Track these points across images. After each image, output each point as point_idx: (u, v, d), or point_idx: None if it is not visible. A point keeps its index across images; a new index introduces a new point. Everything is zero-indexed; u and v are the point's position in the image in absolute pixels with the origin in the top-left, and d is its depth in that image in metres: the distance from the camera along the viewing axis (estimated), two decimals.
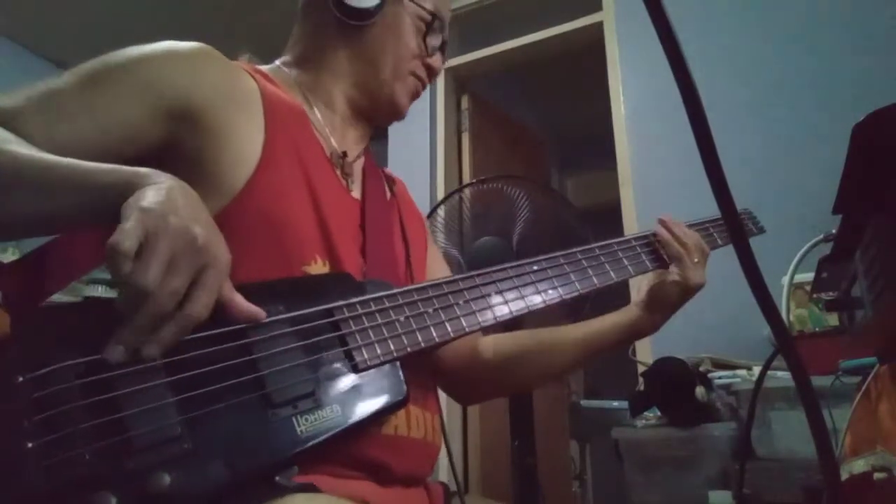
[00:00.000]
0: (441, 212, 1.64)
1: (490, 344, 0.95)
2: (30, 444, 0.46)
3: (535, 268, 0.79)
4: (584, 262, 0.83)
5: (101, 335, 0.50)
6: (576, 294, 0.80)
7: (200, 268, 0.51)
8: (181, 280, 0.49)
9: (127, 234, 0.47)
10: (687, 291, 0.89)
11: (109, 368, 0.49)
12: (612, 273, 0.85)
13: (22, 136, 0.59)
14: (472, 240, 1.57)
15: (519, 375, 0.97)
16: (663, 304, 0.91)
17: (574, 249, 0.84)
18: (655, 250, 0.91)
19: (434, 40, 0.90)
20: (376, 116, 0.91)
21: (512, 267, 0.77)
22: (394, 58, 0.86)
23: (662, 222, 0.92)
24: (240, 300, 0.56)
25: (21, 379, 0.47)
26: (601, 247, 0.87)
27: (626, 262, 0.87)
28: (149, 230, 0.48)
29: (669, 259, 0.90)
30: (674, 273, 0.89)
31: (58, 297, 0.57)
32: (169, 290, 0.48)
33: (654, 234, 0.92)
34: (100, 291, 2.52)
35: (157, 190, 0.51)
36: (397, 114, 0.90)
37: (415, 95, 0.91)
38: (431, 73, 0.91)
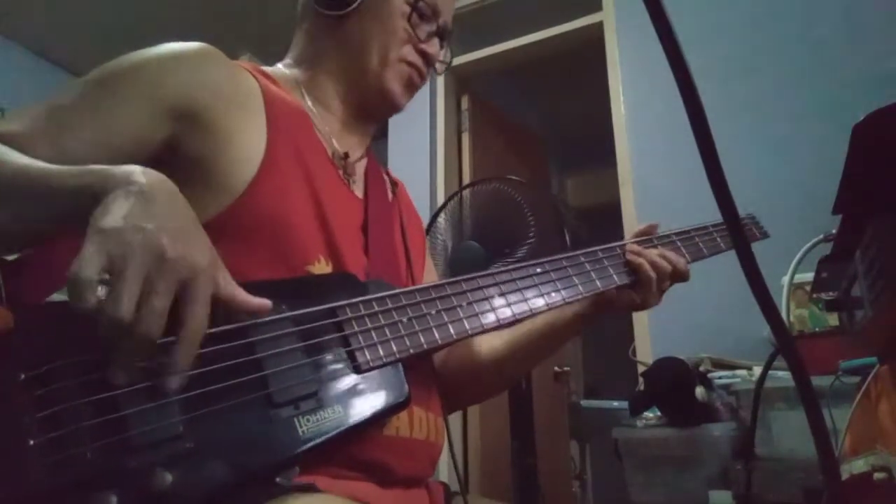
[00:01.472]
0: (441, 220, 1.65)
1: (485, 345, 0.93)
2: (32, 442, 0.46)
3: (539, 270, 0.79)
4: (587, 265, 0.83)
5: None
6: (579, 297, 0.80)
7: (181, 282, 0.48)
8: (161, 301, 0.46)
9: (86, 262, 0.44)
10: (638, 309, 0.88)
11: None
12: (614, 276, 0.85)
13: (30, 154, 0.58)
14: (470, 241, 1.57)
15: (506, 374, 0.96)
16: (611, 307, 0.88)
17: (578, 252, 0.84)
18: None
19: (427, 25, 0.87)
20: (372, 110, 0.88)
21: (515, 269, 0.77)
22: (379, 45, 0.83)
23: (637, 252, 0.87)
24: (242, 295, 0.54)
25: (24, 376, 0.47)
26: (604, 249, 0.87)
27: (610, 270, 0.86)
28: (112, 254, 0.45)
29: (637, 282, 0.86)
30: (635, 294, 0.86)
31: (57, 297, 0.57)
32: (150, 314, 0.46)
33: (627, 257, 0.87)
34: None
35: (124, 199, 0.48)
36: (391, 103, 0.86)
37: (410, 84, 0.87)
38: (427, 60, 0.87)
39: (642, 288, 0.86)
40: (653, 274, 0.85)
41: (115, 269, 0.45)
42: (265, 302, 0.55)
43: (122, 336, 0.46)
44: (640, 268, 0.85)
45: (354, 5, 0.81)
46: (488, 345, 0.92)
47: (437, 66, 0.91)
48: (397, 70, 0.85)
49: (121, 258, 0.45)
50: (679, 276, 0.88)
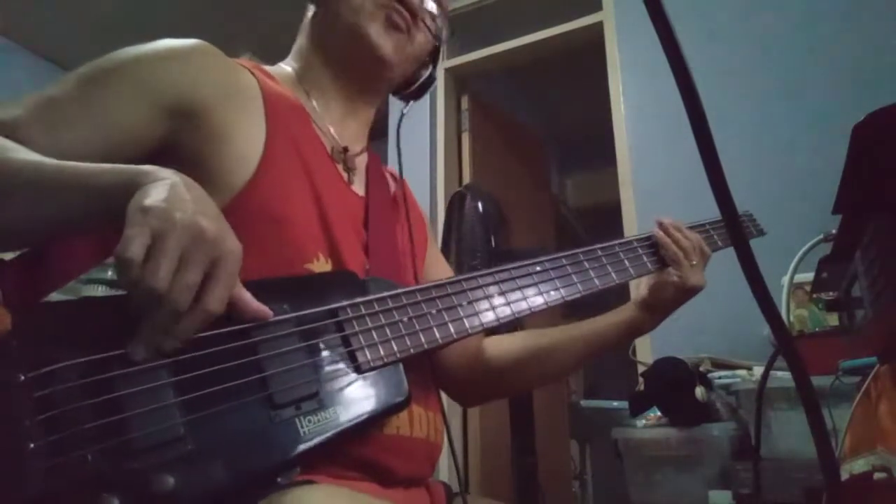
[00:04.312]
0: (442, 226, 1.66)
1: (494, 345, 0.95)
2: (31, 445, 0.45)
3: (538, 268, 0.79)
4: (586, 263, 0.84)
5: (104, 334, 0.50)
6: (578, 295, 0.81)
7: (213, 261, 0.50)
8: (194, 275, 0.48)
9: (131, 241, 0.46)
10: (685, 293, 0.91)
11: (113, 368, 0.49)
12: (613, 274, 0.85)
13: (24, 145, 0.58)
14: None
15: (521, 377, 0.97)
16: (662, 304, 0.92)
17: (577, 250, 0.84)
18: (656, 251, 0.92)
19: None
20: (362, 74, 0.84)
21: (515, 267, 0.78)
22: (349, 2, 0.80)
23: (660, 225, 0.93)
24: (248, 297, 0.55)
25: (23, 377, 0.47)
26: (603, 248, 0.87)
27: (627, 263, 0.88)
28: (154, 230, 0.47)
29: (667, 261, 0.91)
30: (672, 274, 0.90)
31: (56, 297, 0.57)
32: (182, 286, 0.48)
33: (655, 234, 0.93)
34: (99, 291, 2.51)
35: (161, 186, 0.50)
36: (376, 52, 0.80)
37: (390, 23, 0.81)
38: (407, 6, 0.81)
39: (677, 266, 0.90)
40: (679, 251, 0.90)
41: (155, 243, 0.47)
42: (266, 309, 0.56)
43: (153, 306, 0.48)
44: (667, 246, 0.91)
45: None
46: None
47: (426, 18, 0.85)
48: (370, 12, 0.80)
49: (162, 234, 0.47)
50: (703, 251, 0.93)
